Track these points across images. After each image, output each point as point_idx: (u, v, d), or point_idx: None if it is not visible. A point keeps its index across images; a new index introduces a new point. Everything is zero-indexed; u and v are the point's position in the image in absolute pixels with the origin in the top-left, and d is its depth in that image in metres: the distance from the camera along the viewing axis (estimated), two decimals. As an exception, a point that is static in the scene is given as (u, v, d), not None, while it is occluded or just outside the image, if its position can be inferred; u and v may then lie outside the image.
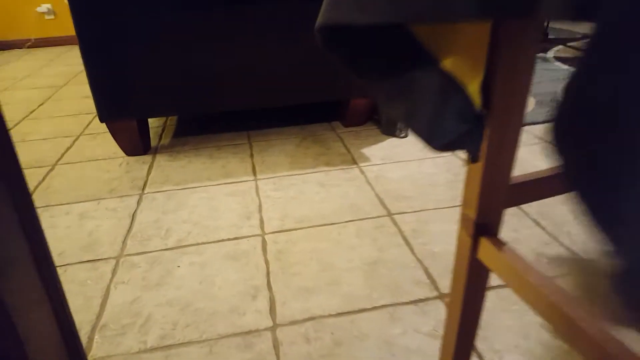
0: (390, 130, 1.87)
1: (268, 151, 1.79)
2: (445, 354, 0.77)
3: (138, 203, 1.47)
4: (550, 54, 2.80)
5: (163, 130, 2.08)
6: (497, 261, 0.63)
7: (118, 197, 1.52)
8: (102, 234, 1.31)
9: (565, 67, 2.54)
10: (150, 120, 2.22)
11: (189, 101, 1.72)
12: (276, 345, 0.92)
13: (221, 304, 1.03)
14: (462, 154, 1.68)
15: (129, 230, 1.32)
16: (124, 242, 1.27)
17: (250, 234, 1.28)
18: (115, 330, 0.97)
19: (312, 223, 1.32)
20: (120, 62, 1.61)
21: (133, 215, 1.40)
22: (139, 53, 1.61)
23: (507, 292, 1.02)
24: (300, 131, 1.97)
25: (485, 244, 0.65)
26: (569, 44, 3.04)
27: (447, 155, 1.68)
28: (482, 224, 0.65)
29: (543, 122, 1.91)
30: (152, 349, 0.92)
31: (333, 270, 1.12)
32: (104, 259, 1.21)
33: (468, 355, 0.77)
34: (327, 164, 1.67)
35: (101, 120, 1.71)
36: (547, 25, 3.04)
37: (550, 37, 3.18)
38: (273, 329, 0.96)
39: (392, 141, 1.83)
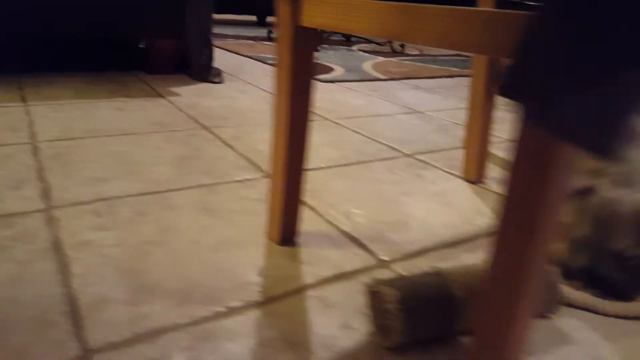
0: (203, 75, 1.79)
1: (46, 87, 1.53)
2: (275, 194, 0.70)
3: None
4: (355, 47, 3.25)
5: None
6: (323, 9, 0.60)
7: None
8: None
9: (365, 54, 2.95)
10: None
11: None
12: (51, 221, 0.72)
13: (-37, 196, 0.78)
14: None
15: None
16: None
17: (14, 142, 1.03)
18: None
19: (105, 132, 1.14)
20: None
21: None
22: None
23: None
24: (91, 74, 1.75)
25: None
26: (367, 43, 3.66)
27: (266, 94, 1.67)
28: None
29: (352, 81, 2.09)
30: None
31: (134, 164, 0.97)
32: None
33: (297, 192, 0.72)
34: (127, 96, 1.50)
35: None
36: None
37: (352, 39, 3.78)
38: (46, 210, 0.76)
39: (205, 85, 1.75)
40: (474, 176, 1.03)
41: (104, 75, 1.76)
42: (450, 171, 1.08)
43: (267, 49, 2.81)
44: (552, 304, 0.59)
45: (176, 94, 1.57)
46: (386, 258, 0.71)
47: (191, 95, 1.58)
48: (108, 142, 1.08)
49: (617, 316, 0.62)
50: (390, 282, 0.52)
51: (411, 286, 0.52)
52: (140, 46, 1.84)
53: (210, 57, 1.79)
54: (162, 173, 0.94)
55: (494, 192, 0.99)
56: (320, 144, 1.20)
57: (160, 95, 1.54)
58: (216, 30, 3.14)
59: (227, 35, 3.48)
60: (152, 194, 0.85)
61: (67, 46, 1.74)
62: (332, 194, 0.92)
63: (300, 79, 0.66)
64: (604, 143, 0.31)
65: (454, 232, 0.80)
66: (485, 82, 0.98)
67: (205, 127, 1.25)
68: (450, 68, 2.65)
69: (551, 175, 0.40)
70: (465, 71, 2.64)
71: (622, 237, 0.63)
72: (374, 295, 0.52)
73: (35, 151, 0.99)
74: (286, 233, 0.72)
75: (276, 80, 0.67)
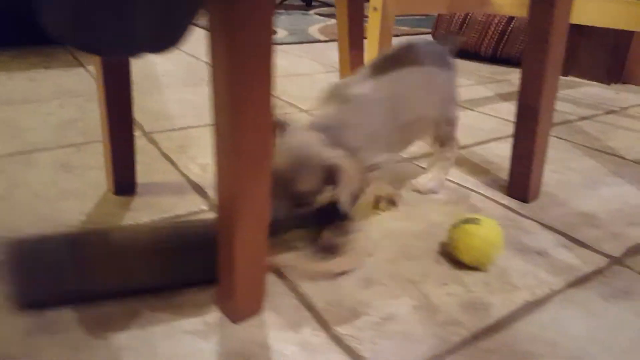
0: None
1: (-32, 62, 1.55)
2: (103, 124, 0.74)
3: None
4: (312, 12, 3.22)
5: None
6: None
7: None
8: None
9: (320, 17, 2.93)
10: None
11: None
12: None
13: None
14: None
15: None
16: None
17: None
18: None
19: (8, 103, 1.17)
20: None
21: None
22: None
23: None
24: (20, 48, 1.76)
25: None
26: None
27: (191, 59, 1.69)
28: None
29: (289, 43, 2.09)
30: None
31: (18, 130, 1.00)
32: None
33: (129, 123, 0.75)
34: (46, 67, 1.52)
35: None
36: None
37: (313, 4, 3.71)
38: None
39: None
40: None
41: (33, 49, 1.77)
42: (334, 123, 1.10)
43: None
44: None
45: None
46: (220, 203, 0.75)
47: (113, 63, 1.60)
48: (3, 111, 1.11)
49: (318, 274, 0.60)
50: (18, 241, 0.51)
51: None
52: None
53: (138, 26, 1.80)
54: (40, 136, 0.97)
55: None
56: (221, 104, 1.23)
57: (80, 65, 1.56)
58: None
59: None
60: (20, 154, 0.89)
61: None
62: (200, 149, 0.95)
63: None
64: (82, 38, 0.34)
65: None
66: (349, 27, 1.00)
67: (108, 93, 1.27)
68: (400, 27, 2.64)
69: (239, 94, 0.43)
70: (419, 30, 2.62)
71: (308, 179, 0.59)
72: None
73: None
74: (122, 184, 0.76)
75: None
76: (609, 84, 1.59)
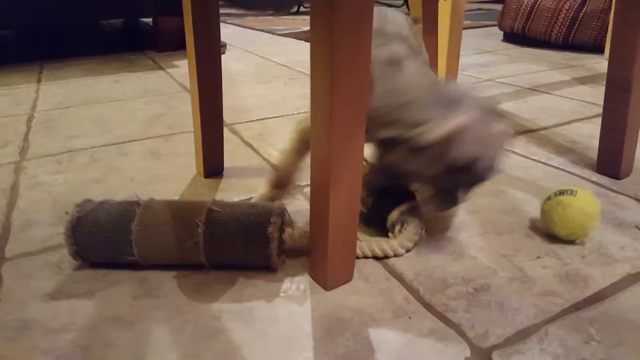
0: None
1: (62, 69, 1.67)
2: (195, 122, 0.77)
3: None
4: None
5: None
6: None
7: None
8: None
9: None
10: None
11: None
12: (18, 169, 0.83)
13: (-42, 156, 0.91)
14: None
15: None
16: None
17: (15, 114, 1.16)
18: None
19: (97, 101, 1.24)
20: None
21: None
22: None
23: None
24: (105, 56, 1.88)
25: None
26: None
27: (261, 59, 1.73)
28: None
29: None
30: None
31: (109, 124, 1.06)
32: None
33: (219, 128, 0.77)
34: (130, 71, 1.61)
35: None
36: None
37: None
38: (18, 162, 0.87)
39: (206, 56, 1.83)
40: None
41: (116, 56, 1.88)
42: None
43: (281, 22, 2.85)
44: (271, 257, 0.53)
45: (176, 66, 1.66)
46: (298, 183, 0.76)
47: (188, 65, 1.66)
48: (94, 108, 1.19)
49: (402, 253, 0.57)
50: (82, 205, 0.55)
51: (94, 212, 0.54)
52: (140, 24, 1.94)
53: (210, 30, 1.86)
54: (130, 129, 1.03)
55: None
56: (293, 96, 1.25)
57: (160, 68, 1.63)
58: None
59: (248, 13, 3.54)
60: (114, 144, 0.94)
61: (84, 33, 1.88)
62: (279, 137, 0.97)
63: (203, 40, 0.71)
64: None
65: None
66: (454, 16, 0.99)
67: (187, 90, 1.32)
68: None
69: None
70: (482, 23, 2.55)
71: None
72: None
73: (30, 119, 1.12)
74: (211, 167, 0.78)
75: (187, 45, 0.74)
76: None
